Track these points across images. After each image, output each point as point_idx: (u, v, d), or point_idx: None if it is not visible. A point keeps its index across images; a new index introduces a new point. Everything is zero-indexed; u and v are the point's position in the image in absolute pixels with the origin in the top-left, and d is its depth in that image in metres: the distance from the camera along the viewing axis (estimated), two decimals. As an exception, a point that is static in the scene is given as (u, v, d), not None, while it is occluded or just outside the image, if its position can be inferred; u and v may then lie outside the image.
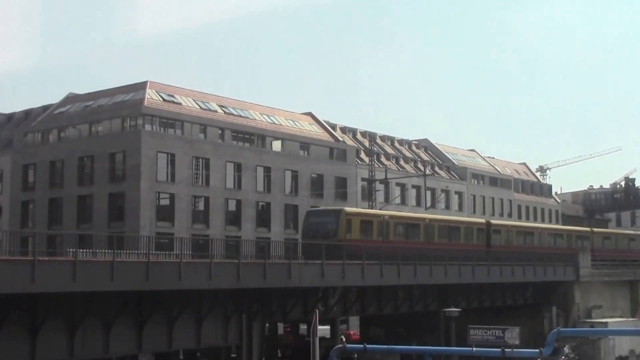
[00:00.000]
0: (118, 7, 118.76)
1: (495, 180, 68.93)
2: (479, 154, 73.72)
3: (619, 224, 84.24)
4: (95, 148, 41.51)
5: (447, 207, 60.84)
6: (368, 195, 49.70)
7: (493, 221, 43.00)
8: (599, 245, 48.86)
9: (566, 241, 45.90)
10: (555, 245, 44.77)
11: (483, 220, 41.68)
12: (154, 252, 22.11)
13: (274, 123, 49.42)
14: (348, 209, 32.64)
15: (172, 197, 40.41)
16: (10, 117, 54.04)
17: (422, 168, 59.09)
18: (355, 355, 31.23)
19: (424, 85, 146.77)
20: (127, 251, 22.18)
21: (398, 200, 55.13)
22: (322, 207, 40.15)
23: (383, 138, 62.33)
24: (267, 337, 31.53)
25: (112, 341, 22.14)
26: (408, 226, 34.75)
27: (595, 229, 52.04)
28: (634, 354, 39.79)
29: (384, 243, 31.48)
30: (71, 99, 48.44)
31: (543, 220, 71.37)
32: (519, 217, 68.47)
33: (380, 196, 52.10)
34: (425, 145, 67.77)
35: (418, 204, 57.52)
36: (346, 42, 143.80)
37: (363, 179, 51.84)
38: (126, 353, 23.19)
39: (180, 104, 44.07)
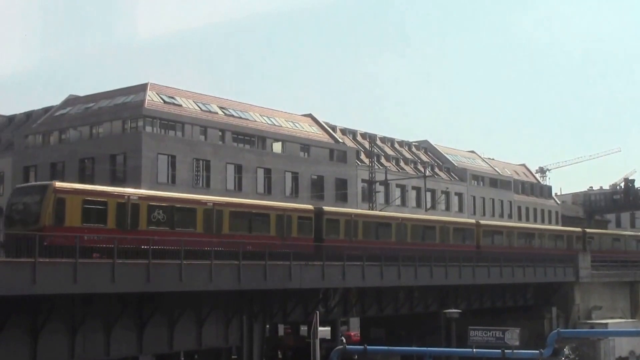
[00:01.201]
0: (118, 9, 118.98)
1: (495, 182, 68.99)
2: (478, 156, 73.78)
3: (618, 225, 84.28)
4: (96, 150, 41.57)
5: (447, 208, 60.90)
6: (368, 196, 49.77)
7: (481, 221, 41.84)
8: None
9: (540, 240, 44.15)
10: (531, 244, 43.29)
11: (468, 220, 40.21)
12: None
13: (275, 125, 49.50)
14: (60, 184, 23.28)
15: (172, 199, 40.39)
16: (11, 119, 54.10)
17: (422, 169, 59.15)
18: (356, 356, 31.28)
19: (424, 86, 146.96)
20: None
21: (398, 202, 55.18)
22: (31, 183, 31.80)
23: (383, 139, 62.39)
24: (267, 339, 31.56)
25: (112, 343, 22.20)
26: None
27: (572, 228, 51.09)
28: (634, 355, 39.85)
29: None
30: (72, 101, 48.51)
31: (543, 222, 71.43)
32: (519, 219, 68.52)
33: (380, 197, 52.18)
34: (425, 146, 67.84)
35: (418, 205, 57.57)
36: (346, 44, 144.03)
37: (363, 181, 51.89)
38: (127, 355, 23.22)
39: (180, 105, 44.14)
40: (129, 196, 23.71)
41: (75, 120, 44.87)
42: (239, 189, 43.91)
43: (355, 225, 31.90)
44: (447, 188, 61.31)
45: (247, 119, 47.66)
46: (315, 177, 49.21)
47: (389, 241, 33.29)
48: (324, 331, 36.12)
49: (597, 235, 50.87)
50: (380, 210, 45.75)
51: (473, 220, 42.57)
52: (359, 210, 38.68)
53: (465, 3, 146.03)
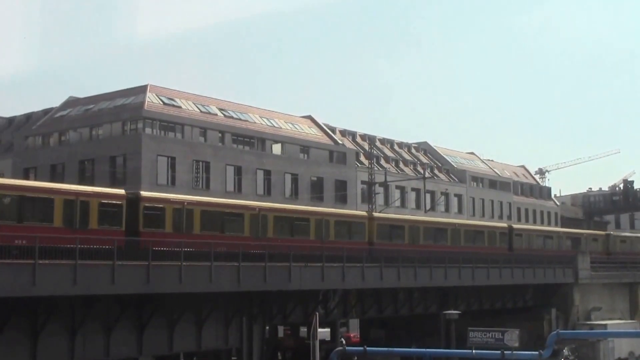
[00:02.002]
0: (118, 11, 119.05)
1: (495, 183, 69.06)
2: (478, 157, 73.85)
3: (617, 226, 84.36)
4: (95, 151, 41.62)
5: (447, 209, 60.96)
6: (368, 198, 49.81)
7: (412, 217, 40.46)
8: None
9: (487, 240, 42.63)
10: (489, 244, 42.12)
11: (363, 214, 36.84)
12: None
13: (274, 126, 49.56)
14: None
15: (172, 201, 40.43)
16: (11, 120, 54.16)
17: (421, 171, 59.22)
18: (355, 357, 31.24)
19: (423, 88, 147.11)
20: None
21: (398, 203, 55.24)
22: None
23: (382, 141, 62.47)
24: (267, 340, 31.59)
25: (112, 344, 22.24)
26: None
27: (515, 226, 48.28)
28: (633, 356, 39.88)
29: None
30: (72, 102, 48.57)
31: (542, 223, 71.51)
32: (519, 220, 68.57)
33: (380, 199, 52.23)
34: (424, 148, 67.92)
35: (418, 206, 57.63)
36: (345, 46, 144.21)
37: (363, 182, 51.95)
38: (126, 356, 23.26)
39: (180, 107, 44.21)
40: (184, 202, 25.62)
41: (75, 122, 44.92)
42: (238, 190, 43.96)
43: (416, 231, 35.34)
44: (447, 189, 61.38)
45: (247, 121, 47.73)
46: (315, 178, 49.26)
47: (445, 245, 36.39)
48: (324, 332, 36.15)
49: (525, 232, 49.31)
50: (379, 212, 45.78)
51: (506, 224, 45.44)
52: (417, 217, 40.68)
53: (464, 5, 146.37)
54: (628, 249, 52.05)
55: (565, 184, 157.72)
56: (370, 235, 32.73)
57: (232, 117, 46.93)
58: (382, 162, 58.07)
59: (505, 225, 44.75)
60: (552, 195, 79.87)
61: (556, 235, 47.42)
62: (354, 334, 43.62)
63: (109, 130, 42.75)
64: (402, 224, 35.41)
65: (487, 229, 41.40)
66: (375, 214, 36.06)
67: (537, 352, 21.52)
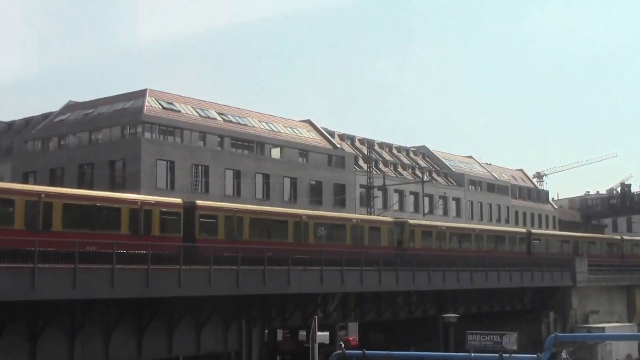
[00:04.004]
0: (117, 16, 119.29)
1: (493, 187, 69.22)
2: (476, 161, 74.04)
3: (615, 229, 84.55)
4: (95, 155, 41.73)
5: (445, 213, 61.09)
6: (366, 201, 49.93)
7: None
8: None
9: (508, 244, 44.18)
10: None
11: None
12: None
13: (273, 130, 49.70)
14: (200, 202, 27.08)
15: (171, 204, 40.51)
16: (10, 125, 54.22)
17: (420, 175, 59.39)
18: (354, 361, 31.34)
19: (422, 92, 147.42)
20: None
21: (396, 207, 55.37)
22: None
23: (381, 145, 62.62)
24: (266, 343, 31.68)
25: (112, 348, 22.27)
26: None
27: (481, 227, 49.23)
28: (631, 358, 40.01)
29: None
30: (71, 106, 48.67)
31: (540, 226, 71.66)
32: (516, 223, 68.75)
33: (378, 203, 52.34)
34: (423, 152, 68.09)
35: (416, 210, 57.77)
36: (344, 50, 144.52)
37: (361, 186, 52.07)
38: (126, 360, 23.30)
39: (179, 111, 44.33)
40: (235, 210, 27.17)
41: (75, 126, 45.03)
42: (237, 194, 44.06)
43: (444, 235, 37.13)
44: (445, 193, 61.52)
45: (246, 125, 47.87)
46: (314, 182, 49.38)
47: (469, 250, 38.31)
48: (323, 336, 36.17)
49: (543, 236, 49.95)
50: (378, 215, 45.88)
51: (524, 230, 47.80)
52: (446, 224, 42.50)
53: (463, 9, 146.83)
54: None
55: (563, 187, 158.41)
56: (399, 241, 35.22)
57: (231, 122, 47.07)
58: (381, 165, 58.22)
59: (524, 230, 47.11)
60: (550, 199, 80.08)
61: (573, 240, 48.73)
62: (353, 337, 43.67)
63: (108, 134, 42.87)
64: (431, 229, 37.91)
65: (507, 234, 43.55)
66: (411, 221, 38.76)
67: (535, 355, 21.58)
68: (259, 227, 27.67)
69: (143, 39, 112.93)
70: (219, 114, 47.12)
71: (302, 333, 38.00)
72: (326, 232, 30.31)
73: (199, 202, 26.67)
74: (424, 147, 68.88)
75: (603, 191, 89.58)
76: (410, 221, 37.28)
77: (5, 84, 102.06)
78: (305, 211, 31.89)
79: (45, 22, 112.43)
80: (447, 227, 39.18)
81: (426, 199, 58.73)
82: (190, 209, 25.42)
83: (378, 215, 42.29)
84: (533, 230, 48.36)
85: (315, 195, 48.99)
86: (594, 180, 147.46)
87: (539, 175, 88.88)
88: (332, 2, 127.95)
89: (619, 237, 54.09)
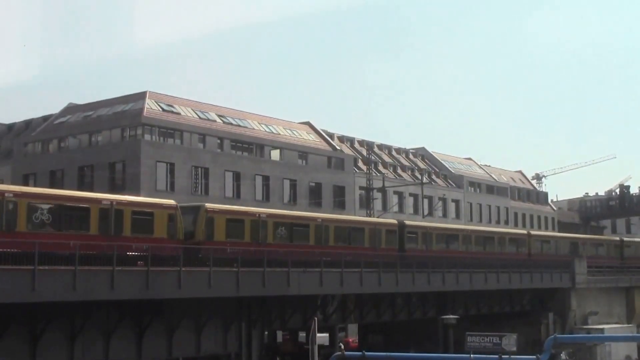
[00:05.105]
0: (117, 18, 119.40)
1: (492, 188, 69.30)
2: (475, 162, 74.13)
3: (614, 230, 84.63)
4: (95, 158, 41.77)
5: (445, 215, 61.16)
6: (366, 203, 49.97)
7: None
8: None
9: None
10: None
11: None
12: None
13: (273, 132, 49.78)
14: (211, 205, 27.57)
15: (171, 206, 40.55)
16: (10, 127, 54.27)
17: (419, 176, 59.47)
18: (354, 362, 31.37)
19: (421, 94, 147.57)
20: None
21: (396, 209, 55.44)
22: None
23: (380, 147, 62.71)
24: (266, 345, 31.77)
25: (111, 350, 22.30)
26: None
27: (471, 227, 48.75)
28: (630, 360, 40.05)
29: None
30: (71, 109, 48.74)
31: (539, 228, 71.73)
32: (515, 225, 68.83)
33: (378, 204, 52.40)
34: (422, 153, 68.18)
35: (415, 212, 57.83)
36: (343, 52, 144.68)
37: (361, 188, 52.13)
38: (126, 361, 23.33)
39: (179, 113, 44.41)
40: (259, 214, 28.11)
41: (75, 129, 45.09)
42: (237, 196, 44.11)
43: (470, 239, 38.48)
44: (444, 195, 61.59)
45: (246, 127, 47.93)
46: (313, 184, 49.45)
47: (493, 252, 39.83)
48: (322, 337, 36.28)
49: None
50: (378, 217, 45.95)
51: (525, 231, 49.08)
52: (472, 227, 44.74)
53: (462, 11, 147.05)
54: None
55: (562, 189, 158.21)
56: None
57: (230, 124, 47.14)
58: (380, 167, 58.29)
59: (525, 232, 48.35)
60: (549, 200, 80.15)
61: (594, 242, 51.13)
62: (353, 338, 43.71)
63: (108, 136, 42.92)
64: (457, 232, 39.34)
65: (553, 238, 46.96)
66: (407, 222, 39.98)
67: (534, 357, 21.63)
68: (283, 229, 28.91)
69: (143, 41, 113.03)
70: (219, 116, 47.19)
71: (302, 335, 38.06)
72: (345, 235, 31.74)
73: (208, 205, 27.18)
74: (423, 148, 68.98)
75: (602, 193, 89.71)
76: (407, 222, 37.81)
77: (5, 86, 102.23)
78: (324, 215, 33.44)
79: (46, 24, 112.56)
80: (472, 231, 40.38)
81: (425, 201, 58.80)
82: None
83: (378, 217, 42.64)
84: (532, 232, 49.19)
85: (315, 197, 49.04)
86: (593, 181, 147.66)
87: (538, 177, 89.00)
88: (331, 5, 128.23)
89: (619, 239, 54.29)
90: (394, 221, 35.43)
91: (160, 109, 43.53)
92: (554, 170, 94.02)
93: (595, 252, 47.93)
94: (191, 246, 24.02)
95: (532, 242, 43.67)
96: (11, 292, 18.74)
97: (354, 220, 34.70)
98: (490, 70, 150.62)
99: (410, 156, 66.10)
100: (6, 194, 20.73)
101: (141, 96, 43.91)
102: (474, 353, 25.08)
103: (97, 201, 23.02)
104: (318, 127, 55.71)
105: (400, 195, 57.15)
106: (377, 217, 44.59)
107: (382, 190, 52.23)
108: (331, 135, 56.64)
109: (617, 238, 50.32)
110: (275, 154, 48.25)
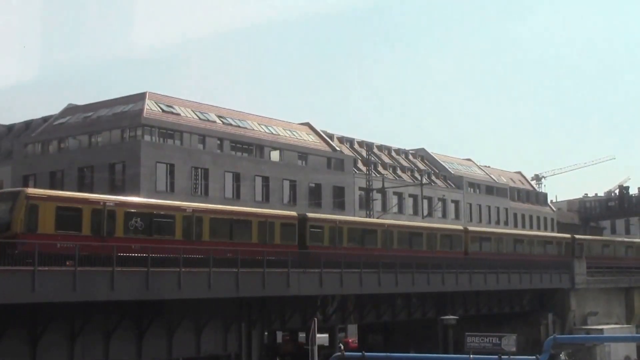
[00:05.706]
0: (117, 19, 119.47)
1: (492, 189, 69.36)
2: (475, 163, 74.19)
3: (613, 231, 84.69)
4: (95, 159, 41.81)
5: (444, 215, 61.21)
6: (365, 204, 50.02)
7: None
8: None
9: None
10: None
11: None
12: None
13: (272, 133, 49.82)
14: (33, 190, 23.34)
15: (171, 207, 40.57)
16: (10, 128, 54.31)
17: (418, 177, 59.52)
18: (354, 363, 31.38)
19: (421, 94, 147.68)
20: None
21: (395, 209, 55.48)
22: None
23: (380, 148, 62.77)
24: (266, 346, 31.73)
25: (112, 350, 22.32)
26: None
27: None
28: (629, 360, 40.09)
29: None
30: (71, 110, 48.77)
31: (539, 228, 71.79)
32: (515, 225, 68.88)
33: (377, 205, 52.44)
34: (421, 154, 68.25)
35: (415, 212, 57.88)
36: (343, 53, 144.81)
37: (360, 188, 52.18)
38: (126, 362, 23.35)
39: (179, 114, 44.44)
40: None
41: (75, 129, 45.12)
42: (237, 197, 44.16)
43: (391, 235, 36.89)
44: (444, 196, 61.64)
45: (245, 128, 47.97)
46: (313, 185, 49.49)
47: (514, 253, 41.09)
48: (322, 338, 36.27)
49: (585, 241, 49.95)
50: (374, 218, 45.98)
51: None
52: (502, 230, 46.76)
53: (461, 11, 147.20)
54: None
55: (562, 190, 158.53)
56: (466, 246, 38.13)
57: (230, 124, 47.18)
58: (380, 168, 58.35)
59: (568, 236, 48.96)
60: (549, 201, 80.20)
61: (612, 244, 52.23)
62: (352, 339, 43.74)
63: (108, 137, 42.96)
64: (490, 235, 41.53)
65: (554, 239, 46.91)
66: (470, 228, 41.90)
67: (534, 357, 21.65)
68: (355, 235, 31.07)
69: (143, 42, 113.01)
70: (219, 116, 47.23)
71: (302, 335, 38.09)
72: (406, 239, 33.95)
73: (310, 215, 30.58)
74: (422, 149, 69.04)
75: (601, 193, 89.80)
76: (471, 228, 40.51)
77: (5, 87, 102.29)
78: (389, 221, 36.37)
79: (45, 25, 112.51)
80: (395, 226, 35.37)
81: (425, 202, 58.85)
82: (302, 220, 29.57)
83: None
84: (577, 236, 49.52)
85: (315, 197, 49.09)
86: (593, 182, 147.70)
87: (538, 178, 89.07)
88: (330, 6, 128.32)
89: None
90: (294, 213, 30.24)
91: (160, 110, 43.57)
92: (553, 171, 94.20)
93: (543, 250, 44.21)
94: (5, 241, 19.52)
95: (469, 240, 38.32)
96: (11, 292, 18.76)
97: (236, 211, 28.60)
98: (490, 71, 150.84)
99: (410, 157, 66.16)
100: (107, 203, 22.93)
101: (141, 97, 43.94)
102: (473, 353, 25.12)
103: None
104: (318, 128, 55.77)
105: (399, 196, 57.20)
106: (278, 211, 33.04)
107: (382, 191, 52.28)
108: (331, 136, 56.70)
109: (569, 235, 48.29)
110: (275, 155, 48.29)
